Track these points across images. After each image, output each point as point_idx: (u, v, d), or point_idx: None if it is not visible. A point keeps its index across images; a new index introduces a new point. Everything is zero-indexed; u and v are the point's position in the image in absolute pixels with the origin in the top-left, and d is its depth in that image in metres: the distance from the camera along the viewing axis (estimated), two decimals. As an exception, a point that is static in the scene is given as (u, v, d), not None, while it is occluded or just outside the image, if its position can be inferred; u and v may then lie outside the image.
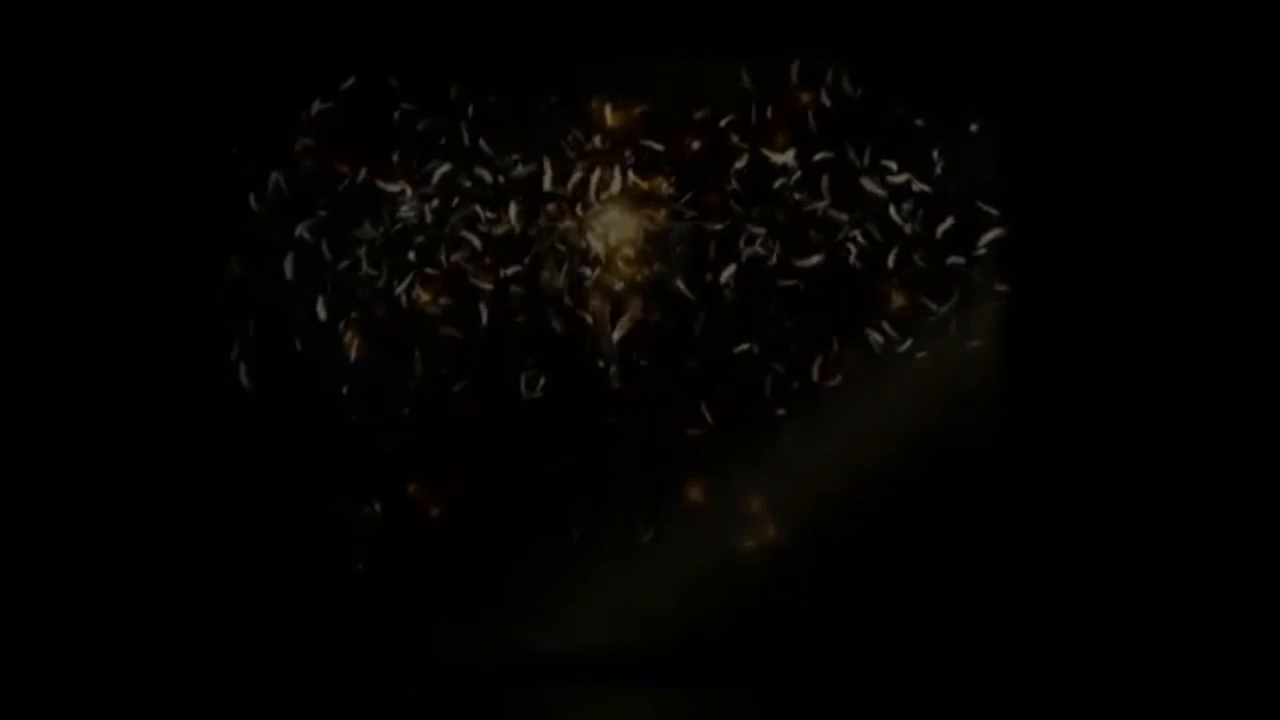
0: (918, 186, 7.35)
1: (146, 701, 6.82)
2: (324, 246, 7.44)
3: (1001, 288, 7.25)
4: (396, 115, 7.47)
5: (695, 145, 7.46)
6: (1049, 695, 6.67)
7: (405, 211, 7.45)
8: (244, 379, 7.36)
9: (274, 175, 7.46)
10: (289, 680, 7.08)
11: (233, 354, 7.37)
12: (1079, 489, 6.99)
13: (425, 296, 7.45)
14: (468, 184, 7.47)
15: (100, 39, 7.15)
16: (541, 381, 7.41)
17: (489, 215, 7.45)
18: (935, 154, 7.35)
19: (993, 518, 7.05)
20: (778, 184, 7.41)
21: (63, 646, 6.94)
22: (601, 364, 7.42)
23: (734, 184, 7.43)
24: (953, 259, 7.34)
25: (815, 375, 7.37)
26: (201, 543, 7.19)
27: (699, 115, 7.45)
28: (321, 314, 7.40)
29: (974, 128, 7.32)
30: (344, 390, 7.40)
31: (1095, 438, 7.02)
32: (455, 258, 7.45)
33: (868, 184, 7.36)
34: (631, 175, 7.44)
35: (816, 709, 6.90)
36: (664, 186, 7.47)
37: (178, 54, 7.21)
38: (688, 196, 7.44)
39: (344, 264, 7.43)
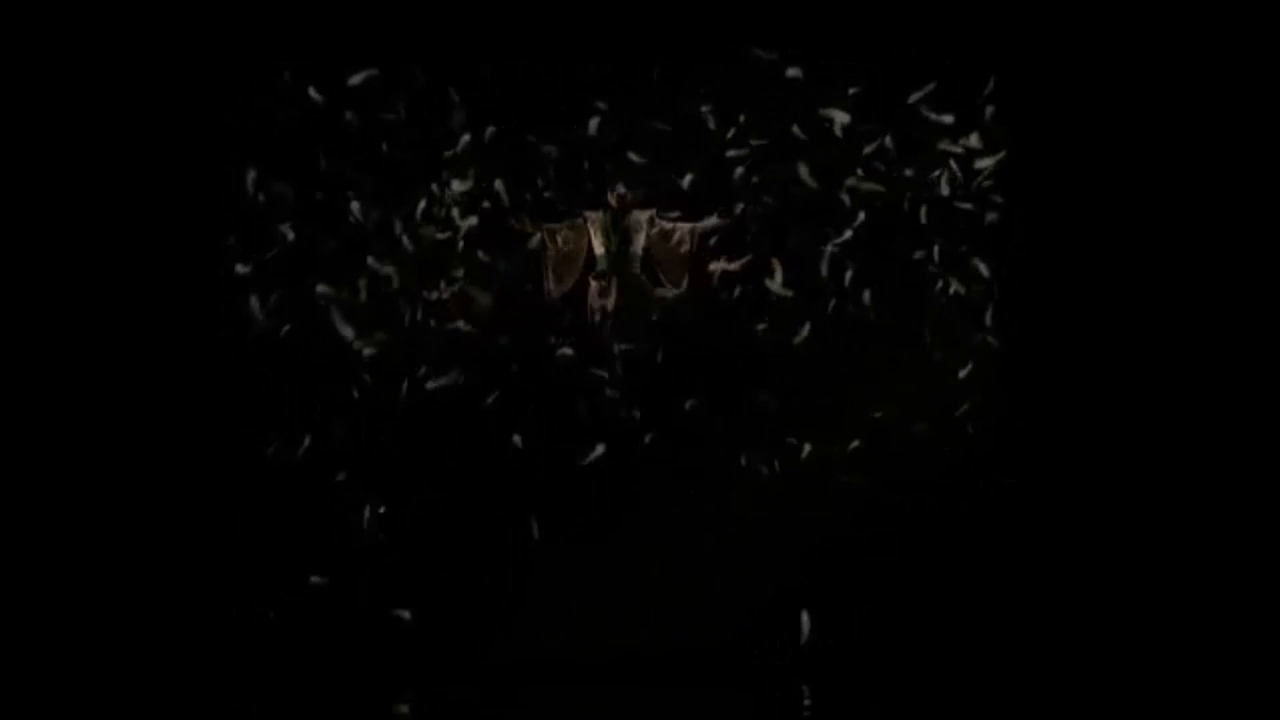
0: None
1: (141, 696, 6.82)
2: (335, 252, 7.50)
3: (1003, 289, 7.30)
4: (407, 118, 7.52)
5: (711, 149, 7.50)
6: (1049, 695, 6.65)
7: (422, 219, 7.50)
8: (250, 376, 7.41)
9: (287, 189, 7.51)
10: (291, 678, 7.09)
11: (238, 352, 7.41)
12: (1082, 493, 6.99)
13: (433, 302, 7.49)
14: (475, 190, 7.51)
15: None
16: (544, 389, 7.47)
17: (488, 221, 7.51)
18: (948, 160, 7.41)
19: (994, 520, 7.08)
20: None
21: (67, 635, 6.96)
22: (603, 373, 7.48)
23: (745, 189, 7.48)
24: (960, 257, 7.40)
25: (817, 382, 7.39)
26: (200, 543, 7.21)
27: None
28: (330, 319, 7.46)
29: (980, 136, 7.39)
30: (347, 392, 7.45)
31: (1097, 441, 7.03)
32: (462, 265, 7.50)
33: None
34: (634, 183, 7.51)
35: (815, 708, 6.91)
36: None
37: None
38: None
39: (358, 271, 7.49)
